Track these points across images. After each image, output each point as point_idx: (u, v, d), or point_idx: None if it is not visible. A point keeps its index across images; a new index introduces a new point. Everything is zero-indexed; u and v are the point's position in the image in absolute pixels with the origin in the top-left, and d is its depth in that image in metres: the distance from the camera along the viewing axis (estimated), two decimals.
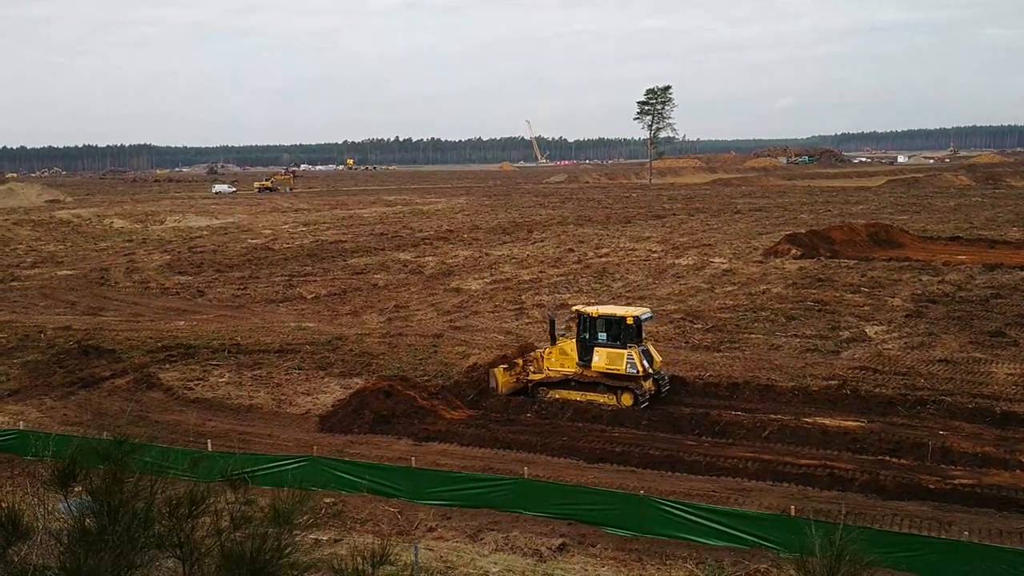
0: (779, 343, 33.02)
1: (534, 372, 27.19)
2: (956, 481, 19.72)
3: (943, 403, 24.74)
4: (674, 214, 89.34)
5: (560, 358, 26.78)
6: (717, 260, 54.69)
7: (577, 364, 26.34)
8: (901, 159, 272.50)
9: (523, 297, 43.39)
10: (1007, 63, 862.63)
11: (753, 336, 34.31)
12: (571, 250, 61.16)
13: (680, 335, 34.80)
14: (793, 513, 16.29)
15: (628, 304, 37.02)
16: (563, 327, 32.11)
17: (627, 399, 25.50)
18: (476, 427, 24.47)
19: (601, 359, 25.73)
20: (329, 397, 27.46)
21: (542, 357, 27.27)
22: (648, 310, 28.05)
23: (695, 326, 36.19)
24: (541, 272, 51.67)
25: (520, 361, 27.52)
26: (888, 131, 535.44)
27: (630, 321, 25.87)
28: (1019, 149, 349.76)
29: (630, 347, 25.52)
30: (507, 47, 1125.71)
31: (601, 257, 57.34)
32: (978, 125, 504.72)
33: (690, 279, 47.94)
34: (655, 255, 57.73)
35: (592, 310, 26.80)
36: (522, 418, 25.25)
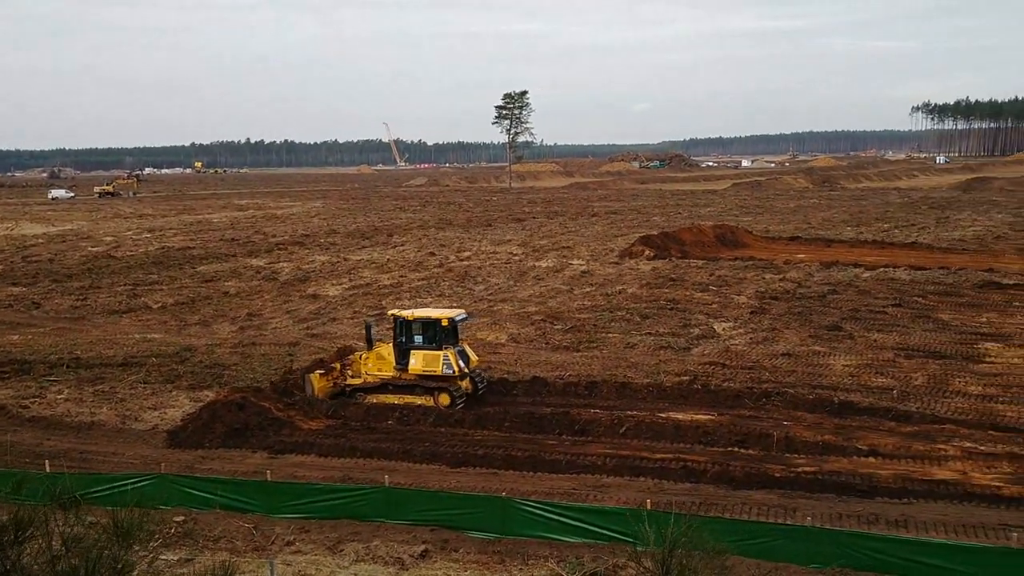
0: (635, 341, 33.90)
1: (352, 377, 27.07)
2: (799, 469, 20.72)
3: (786, 395, 25.98)
4: (534, 217, 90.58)
5: (377, 362, 26.78)
6: (576, 262, 55.74)
7: (395, 368, 26.43)
8: (745, 163, 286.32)
9: (384, 303, 42.85)
10: (841, 73, 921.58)
11: (610, 335, 35.10)
12: (432, 254, 60.96)
13: (541, 336, 35.21)
14: (649, 506, 16.66)
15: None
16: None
17: (444, 399, 25.80)
18: (335, 436, 23.92)
19: (418, 361, 25.94)
20: (178, 411, 26.23)
21: (360, 361, 27.12)
22: (463, 311, 28.32)
23: (555, 327, 36.70)
24: (402, 276, 51.24)
25: (338, 366, 27.39)
26: (733, 136, 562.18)
27: (445, 323, 26.11)
28: (851, 153, 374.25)
29: (446, 348, 25.80)
30: (366, 48, 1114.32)
31: (463, 261, 57.40)
32: (815, 131, 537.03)
33: (550, 281, 48.63)
34: (516, 258, 58.29)
35: (407, 313, 26.79)
36: (383, 425, 24.90)
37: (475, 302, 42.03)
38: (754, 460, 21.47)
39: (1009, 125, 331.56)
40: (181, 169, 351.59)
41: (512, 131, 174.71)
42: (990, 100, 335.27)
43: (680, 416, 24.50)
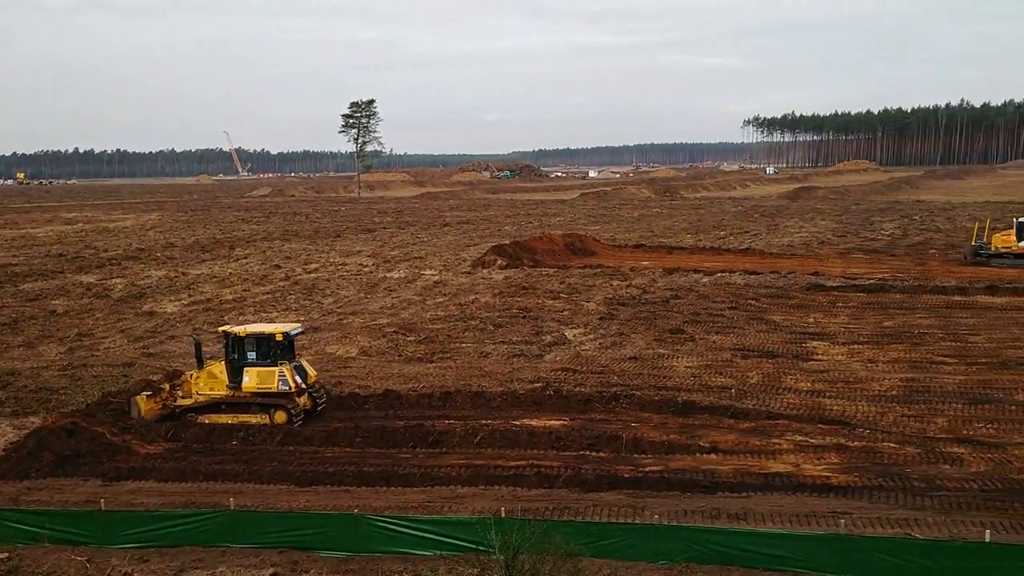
0: (489, 350, 34.08)
1: (182, 397, 25.94)
2: (647, 469, 21.36)
3: (634, 397, 26.74)
4: (384, 228, 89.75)
5: (209, 381, 25.72)
6: (428, 272, 55.56)
7: (227, 386, 25.45)
8: (592, 174, 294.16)
9: (226, 318, 41.24)
10: (680, 87, 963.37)
11: (464, 345, 35.14)
12: (278, 266, 59.29)
13: (393, 348, 34.83)
14: (503, 514, 16.71)
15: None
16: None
17: (281, 416, 25.06)
18: (175, 460, 22.78)
19: (252, 379, 25.14)
20: None
21: (190, 381, 26.01)
22: (298, 325, 27.52)
23: (408, 338, 36.40)
24: (246, 291, 49.54)
25: (167, 386, 26.21)
26: (580, 147, 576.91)
27: (279, 338, 25.34)
28: (690, 164, 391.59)
29: (281, 364, 25.10)
30: (205, 54, 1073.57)
31: (310, 273, 56.12)
32: (656, 143, 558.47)
33: (402, 292, 48.24)
34: (366, 269, 57.51)
35: (239, 329, 25.87)
36: (227, 446, 23.90)
37: (324, 315, 41.15)
38: (605, 462, 21.97)
39: (830, 138, 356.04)
40: (1, 180, 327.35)
41: (360, 140, 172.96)
42: (813, 115, 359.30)
43: (534, 423, 24.77)
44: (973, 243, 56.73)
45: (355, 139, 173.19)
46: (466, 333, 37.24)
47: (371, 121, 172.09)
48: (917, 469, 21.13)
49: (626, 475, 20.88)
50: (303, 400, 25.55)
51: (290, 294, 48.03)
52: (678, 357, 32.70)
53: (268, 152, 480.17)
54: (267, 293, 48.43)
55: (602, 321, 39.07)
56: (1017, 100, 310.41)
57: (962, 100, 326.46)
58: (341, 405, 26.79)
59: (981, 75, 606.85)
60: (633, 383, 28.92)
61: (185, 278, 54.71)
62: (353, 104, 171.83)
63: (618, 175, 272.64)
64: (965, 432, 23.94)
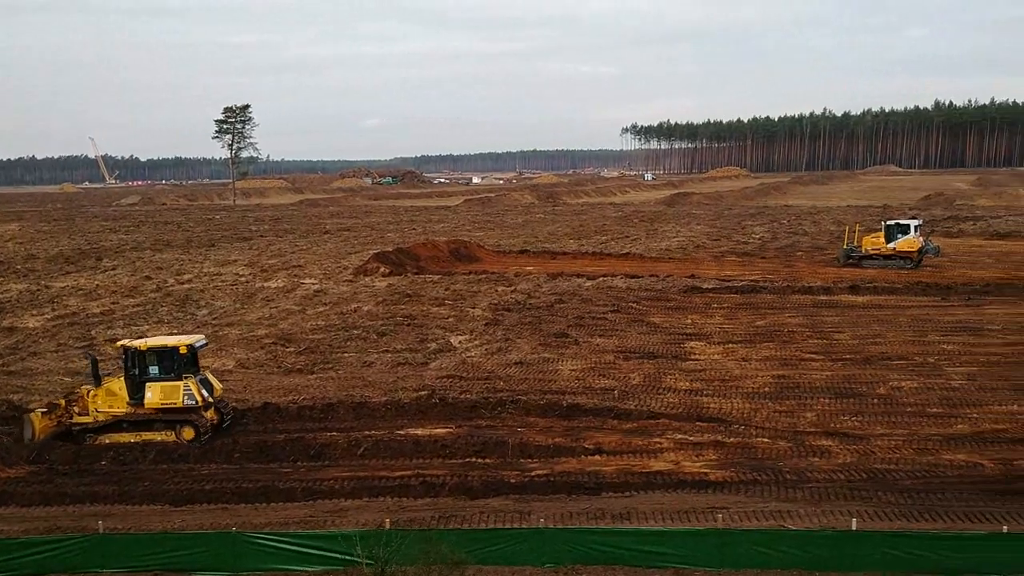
0: (372, 359, 33.63)
1: (80, 415, 24.59)
2: (533, 473, 21.52)
3: (520, 402, 26.90)
4: (262, 236, 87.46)
5: (108, 399, 24.47)
6: (308, 281, 54.44)
7: (128, 403, 24.33)
8: (476, 180, 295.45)
9: (94, 332, 39.37)
10: (560, 95, 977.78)
11: (346, 355, 34.58)
12: (149, 277, 56.93)
13: (272, 360, 33.94)
14: (388, 526, 16.49)
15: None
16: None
17: (188, 433, 24.16)
18: (39, 483, 21.55)
19: (155, 394, 24.12)
20: None
21: (88, 398, 24.62)
22: (202, 337, 26.78)
23: (288, 349, 35.56)
24: (114, 303, 47.33)
25: (62, 403, 24.81)
26: (463, 153, 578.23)
27: (183, 350, 24.42)
28: (572, 171, 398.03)
29: (186, 378, 24.21)
30: (69, 56, 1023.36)
31: (183, 284, 54.11)
32: (539, 149, 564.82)
33: (281, 302, 47.09)
34: (243, 279, 55.88)
35: (140, 343, 24.88)
36: (96, 467, 22.75)
37: (198, 327, 39.71)
38: (491, 468, 22.01)
39: (704, 145, 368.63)
40: None
41: (235, 146, 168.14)
42: (687, 123, 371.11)
43: (419, 431, 24.60)
44: (845, 246, 59.68)
45: (230, 145, 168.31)
46: (348, 342, 36.66)
47: (246, 126, 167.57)
48: (789, 462, 22.04)
49: (512, 480, 20.98)
50: (210, 414, 24.60)
51: (162, 306, 46.18)
52: (563, 361, 33.10)
53: (137, 159, 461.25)
54: (137, 306, 46.42)
55: (487, 327, 39.16)
56: (875, 109, 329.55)
57: (824, 109, 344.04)
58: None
59: (843, 85, 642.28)
60: (519, 388, 29.08)
61: (48, 291, 51.87)
62: (227, 109, 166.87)
63: (502, 181, 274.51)
64: (832, 425, 25.13)
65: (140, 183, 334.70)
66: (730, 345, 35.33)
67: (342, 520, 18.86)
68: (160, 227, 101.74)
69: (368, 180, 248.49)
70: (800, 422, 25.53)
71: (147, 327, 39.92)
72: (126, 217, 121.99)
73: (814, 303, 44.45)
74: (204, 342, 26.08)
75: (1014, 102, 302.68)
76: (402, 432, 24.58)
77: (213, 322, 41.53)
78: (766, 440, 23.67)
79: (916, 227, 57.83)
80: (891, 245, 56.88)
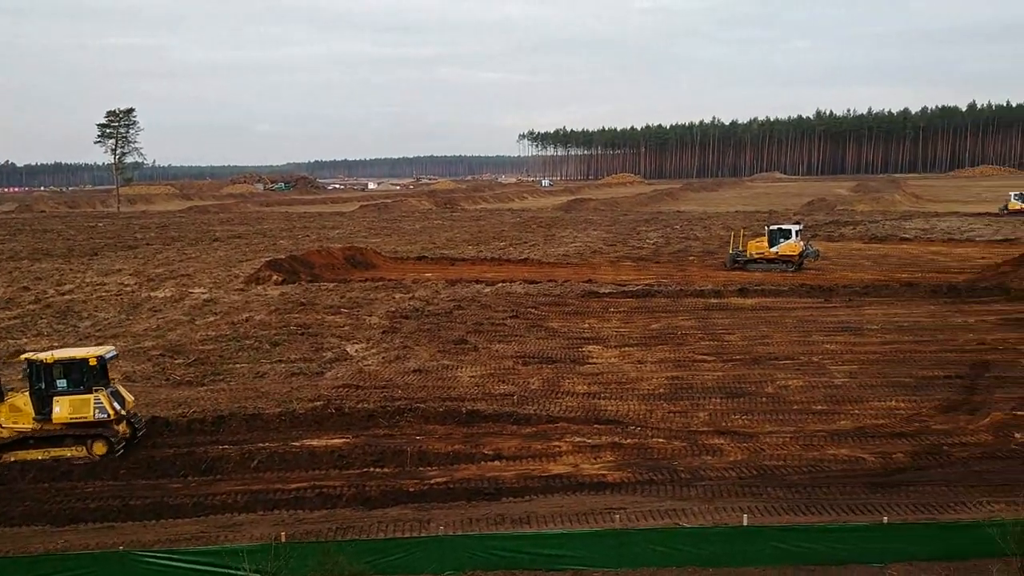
0: (265, 370, 32.85)
1: None
2: (432, 481, 21.39)
3: (418, 410, 26.71)
4: (148, 244, 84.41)
5: (12, 415, 23.41)
6: (197, 290, 52.79)
7: (34, 419, 23.29)
8: (371, 185, 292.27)
9: None
10: (457, 101, 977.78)
11: (238, 366, 33.66)
12: (27, 288, 54.14)
13: (160, 372, 32.75)
14: (283, 539, 16.12)
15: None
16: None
17: (100, 447, 23.27)
18: None
19: (63, 409, 23.16)
20: None
21: None
22: (112, 348, 25.96)
23: (176, 361, 34.38)
24: None
25: None
26: (359, 159, 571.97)
27: (93, 362, 23.57)
28: (469, 177, 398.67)
29: (97, 390, 23.33)
30: None
31: (64, 295, 51.67)
32: (436, 155, 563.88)
33: (169, 312, 45.51)
34: (128, 289, 53.77)
35: (46, 356, 23.79)
36: None
37: (80, 340, 37.99)
38: (389, 478, 21.79)
39: (599, 152, 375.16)
40: None
41: (119, 151, 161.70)
42: (583, 130, 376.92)
43: (315, 442, 24.15)
44: (731, 251, 61.63)
45: (113, 150, 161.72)
46: (240, 353, 35.70)
47: (130, 131, 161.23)
48: (683, 462, 22.56)
49: (411, 489, 20.81)
50: (122, 428, 23.70)
51: (41, 318, 43.98)
52: (462, 367, 33.05)
53: (13, 164, 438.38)
54: (14, 318, 44.09)
55: (385, 335, 38.77)
56: (760, 118, 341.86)
57: (714, 118, 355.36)
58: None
59: (731, 94, 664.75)
60: (417, 396, 28.88)
61: None
62: (110, 113, 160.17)
63: (398, 187, 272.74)
64: (724, 424, 25.87)
65: (16, 190, 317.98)
66: (626, 348, 35.98)
67: (235, 535, 18.35)
68: (39, 235, 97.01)
69: (260, 186, 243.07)
70: (693, 422, 26.19)
71: (25, 341, 37.95)
72: (1, 225, 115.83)
73: (706, 306, 45.72)
74: (114, 353, 25.25)
75: (889, 112, 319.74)
76: (297, 443, 24.08)
77: (96, 334, 39.78)
78: (661, 440, 24.18)
79: (797, 232, 60.35)
80: (774, 249, 59.15)
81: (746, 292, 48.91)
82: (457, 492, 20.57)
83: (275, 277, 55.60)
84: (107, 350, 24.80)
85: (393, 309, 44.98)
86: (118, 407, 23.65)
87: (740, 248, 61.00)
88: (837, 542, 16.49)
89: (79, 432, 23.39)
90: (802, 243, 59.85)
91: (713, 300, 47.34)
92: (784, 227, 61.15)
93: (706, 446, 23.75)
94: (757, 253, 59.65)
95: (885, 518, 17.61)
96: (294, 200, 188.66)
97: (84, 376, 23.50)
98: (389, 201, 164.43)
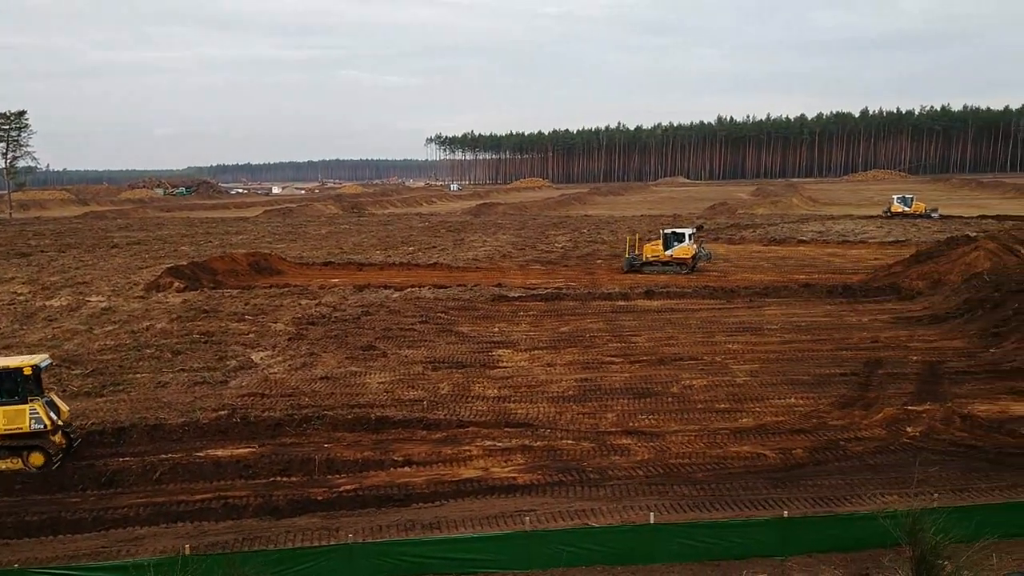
0: (167, 379, 31.89)
1: None
2: (341, 489, 21.15)
3: (326, 417, 26.38)
4: (42, 251, 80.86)
5: None
6: (95, 299, 50.85)
7: None
8: (276, 190, 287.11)
9: None
10: (364, 104, 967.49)
11: (139, 376, 32.60)
12: None
13: (57, 384, 31.37)
14: (188, 552, 15.69)
15: None
16: None
17: (37, 459, 22.50)
18: None
19: None
20: None
21: None
22: (47, 356, 25.21)
23: (73, 372, 33.06)
24: None
25: None
26: (263, 163, 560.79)
27: (28, 371, 22.71)
28: (377, 181, 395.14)
29: (32, 400, 22.50)
30: None
31: None
32: (342, 159, 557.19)
33: (65, 321, 43.71)
34: (21, 298, 51.42)
35: None
36: None
37: None
38: (297, 486, 21.45)
39: (508, 156, 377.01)
40: None
41: (9, 155, 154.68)
42: (491, 134, 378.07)
43: (219, 453, 23.62)
44: (627, 255, 62.87)
45: (3, 154, 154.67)
46: (140, 363, 34.58)
47: (22, 134, 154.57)
48: (592, 462, 22.88)
49: (320, 497, 20.54)
50: (58, 439, 22.80)
51: None
52: (371, 374, 32.75)
53: None
54: None
55: (291, 342, 38.12)
56: (664, 124, 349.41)
57: (619, 123, 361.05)
58: None
59: (636, 100, 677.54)
60: (325, 403, 28.50)
61: None
62: (0, 115, 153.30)
63: (303, 191, 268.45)
64: (631, 424, 26.34)
65: None
66: (536, 351, 36.26)
67: (137, 549, 17.80)
68: None
69: (160, 191, 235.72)
70: (602, 423, 26.58)
71: None
72: None
73: (613, 308, 46.45)
74: (49, 361, 24.44)
75: (787, 118, 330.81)
76: (201, 454, 23.50)
77: None
78: (571, 442, 24.46)
79: (690, 235, 62.13)
80: (669, 252, 60.76)
81: (652, 294, 49.89)
82: (366, 499, 20.40)
83: (176, 284, 54.05)
84: (42, 358, 23.96)
85: (299, 315, 44.25)
86: (54, 417, 22.91)
87: (636, 252, 62.36)
88: (740, 537, 16.99)
89: (14, 443, 22.60)
90: (695, 246, 61.64)
91: (621, 302, 48.13)
92: (678, 231, 62.76)
93: (614, 446, 24.13)
94: (652, 256, 61.12)
95: (785, 512, 18.21)
96: (196, 205, 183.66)
97: (18, 386, 22.68)
98: (294, 206, 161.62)
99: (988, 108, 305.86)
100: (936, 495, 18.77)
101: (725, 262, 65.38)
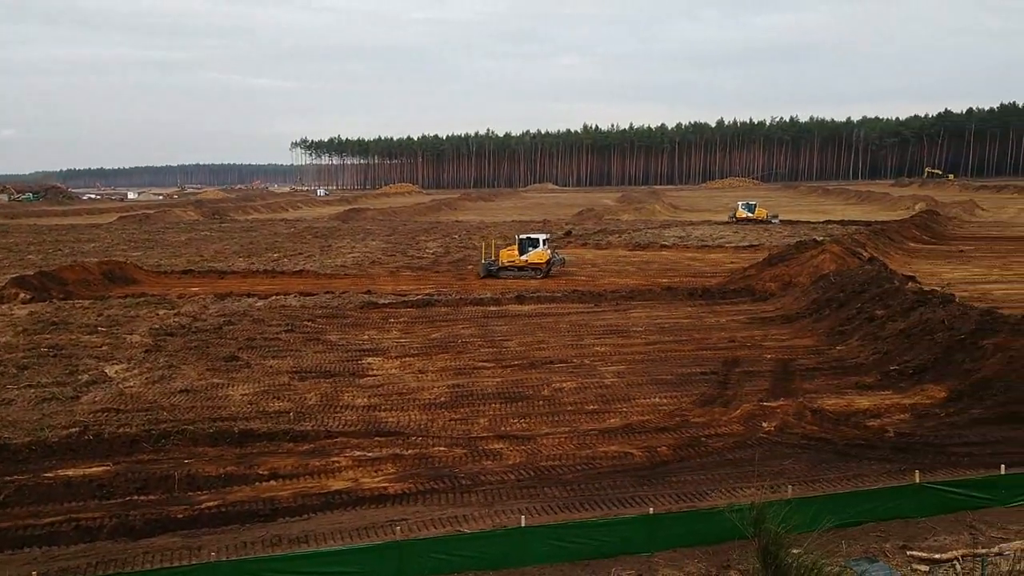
0: (12, 397, 29.86)
1: None
2: (203, 505, 20.31)
3: (187, 432, 25.32)
4: None
5: None
6: None
7: None
8: (132, 195, 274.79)
9: None
10: (225, 107, 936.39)
11: None
12: None
13: None
14: None
15: None
16: None
17: None
18: None
19: None
20: None
21: None
22: None
23: None
24: None
25: None
26: (117, 167, 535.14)
27: None
28: (239, 186, 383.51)
29: None
30: None
31: None
32: (202, 163, 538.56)
33: None
34: None
35: None
36: None
37: None
38: (155, 505, 20.46)
39: (376, 161, 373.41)
40: None
41: None
42: (359, 139, 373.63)
43: (70, 472, 22.28)
44: (484, 260, 63.44)
45: None
46: None
47: None
48: (464, 468, 22.84)
49: (180, 515, 19.66)
50: None
51: None
52: (234, 385, 31.67)
53: None
54: None
55: (148, 354, 36.42)
56: (532, 131, 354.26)
57: (488, 129, 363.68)
58: None
59: (505, 107, 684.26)
60: (185, 417, 27.36)
61: None
62: None
63: (162, 197, 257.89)
64: (503, 429, 26.47)
65: None
66: (407, 358, 35.97)
67: None
68: None
69: (4, 196, 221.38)
70: (474, 428, 26.59)
71: None
72: None
73: (485, 314, 46.65)
74: None
75: (648, 127, 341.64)
76: (50, 474, 22.10)
77: None
78: (443, 448, 24.36)
79: (544, 240, 63.30)
80: (524, 257, 61.74)
81: (523, 299, 50.40)
82: (230, 515, 19.67)
83: (22, 295, 50.86)
84: None
85: (157, 326, 42.37)
86: None
87: (493, 257, 63.04)
88: (607, 535, 17.29)
89: None
90: (549, 251, 62.88)
91: (492, 307, 48.39)
92: (533, 236, 63.75)
93: (486, 451, 24.18)
94: (508, 261, 61.93)
95: (651, 509, 18.67)
96: (44, 211, 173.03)
97: None
98: (152, 212, 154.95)
99: (832, 119, 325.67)
100: (790, 487, 19.69)
101: (593, 267, 66.77)
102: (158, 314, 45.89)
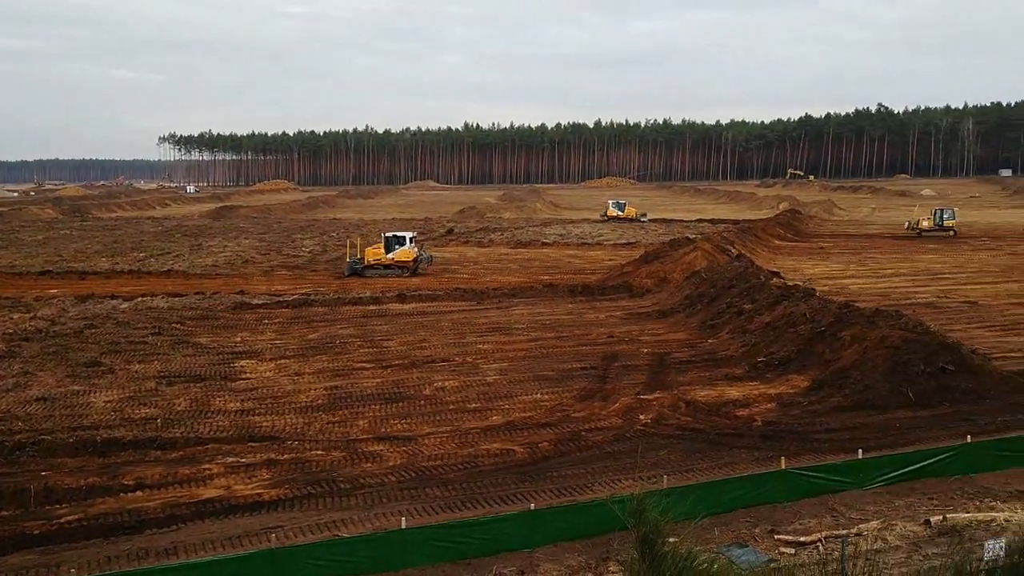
0: None
1: None
2: (62, 520, 19.15)
3: (44, 443, 23.86)
4: None
5: None
6: None
7: None
8: None
9: None
10: (85, 100, 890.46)
11: None
12: None
13: None
14: None
15: None
16: None
17: None
18: None
19: None
20: None
21: None
22: None
23: None
24: None
25: None
26: None
27: None
28: (102, 182, 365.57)
29: None
30: None
31: None
32: (61, 158, 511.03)
33: None
34: None
35: None
36: None
37: None
38: (9, 521, 19.18)
39: (250, 158, 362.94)
40: None
41: None
42: (231, 134, 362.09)
43: None
44: (349, 259, 62.60)
45: None
46: None
47: None
48: (342, 471, 22.33)
49: (36, 531, 18.49)
50: None
51: None
52: (96, 392, 30.04)
53: None
54: None
55: (1, 360, 34.15)
56: (413, 128, 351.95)
57: (367, 126, 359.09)
58: None
59: (384, 104, 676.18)
60: (43, 427, 25.75)
61: None
62: None
63: (16, 194, 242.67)
64: (383, 430, 26.04)
65: None
66: (282, 361, 34.98)
67: None
68: None
69: None
70: (353, 430, 26.06)
71: None
72: None
73: (364, 313, 45.91)
74: None
75: (529, 126, 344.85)
76: None
77: None
78: (320, 452, 23.76)
79: (411, 239, 62.98)
80: (390, 255, 61.27)
81: (404, 298, 49.89)
82: (92, 529, 18.60)
83: None
84: None
85: (11, 331, 39.77)
86: None
87: (358, 256, 62.25)
88: (489, 533, 17.22)
89: None
90: (416, 249, 62.59)
91: (372, 307, 47.69)
92: (399, 234, 63.27)
93: (366, 453, 23.73)
94: (374, 259, 61.29)
95: (532, 505, 18.72)
96: None
97: None
98: (5, 209, 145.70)
99: (703, 122, 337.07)
100: (665, 477, 20.11)
101: (475, 265, 66.76)
102: (12, 318, 43.11)
